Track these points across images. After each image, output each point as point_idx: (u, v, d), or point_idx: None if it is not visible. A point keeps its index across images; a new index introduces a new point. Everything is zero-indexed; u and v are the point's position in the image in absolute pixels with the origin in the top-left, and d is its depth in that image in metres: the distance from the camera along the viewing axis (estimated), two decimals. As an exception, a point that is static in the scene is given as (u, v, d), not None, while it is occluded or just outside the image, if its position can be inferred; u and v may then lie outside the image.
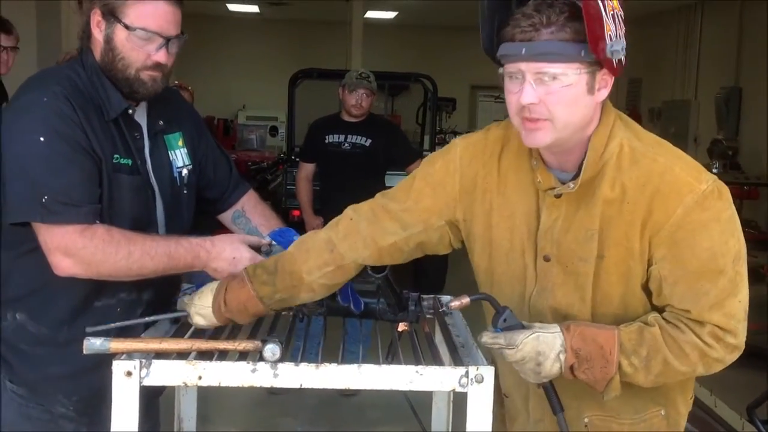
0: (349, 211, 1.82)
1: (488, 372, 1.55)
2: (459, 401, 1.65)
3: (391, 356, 1.86)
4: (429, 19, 15.55)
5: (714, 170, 10.82)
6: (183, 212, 2.06)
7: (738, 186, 10.68)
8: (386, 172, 5.27)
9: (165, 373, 1.55)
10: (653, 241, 1.59)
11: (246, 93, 16.44)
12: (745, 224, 11.04)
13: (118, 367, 1.53)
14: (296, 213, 5.81)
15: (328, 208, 5.08)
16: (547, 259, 1.68)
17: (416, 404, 2.15)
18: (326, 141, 5.06)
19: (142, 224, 1.89)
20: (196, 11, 15.20)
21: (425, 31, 16.41)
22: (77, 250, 1.77)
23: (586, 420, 1.75)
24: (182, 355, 1.62)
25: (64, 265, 1.79)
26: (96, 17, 1.87)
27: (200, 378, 1.55)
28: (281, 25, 16.55)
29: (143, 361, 1.54)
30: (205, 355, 1.63)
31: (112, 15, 1.84)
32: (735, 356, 1.62)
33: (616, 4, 1.52)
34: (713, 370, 1.63)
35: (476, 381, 1.55)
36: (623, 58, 1.55)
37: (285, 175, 6.94)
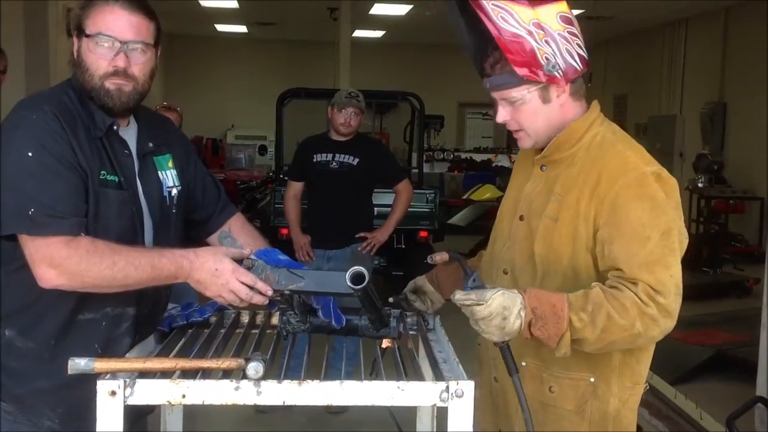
0: None
1: (468, 387, 1.58)
2: (444, 416, 1.67)
3: (374, 373, 1.88)
4: (416, 38, 15.65)
5: (700, 184, 10.90)
6: (171, 231, 2.09)
7: (724, 200, 10.78)
8: (374, 190, 5.31)
9: (149, 392, 1.56)
10: (598, 208, 1.89)
11: (235, 112, 16.50)
12: (731, 238, 11.11)
13: (103, 386, 1.54)
14: (285, 231, 5.82)
15: (316, 226, 5.10)
16: (522, 218, 2.04)
17: (403, 420, 2.17)
18: (314, 160, 5.09)
19: (128, 240, 1.91)
20: (185, 32, 15.29)
21: (413, 50, 16.52)
22: (62, 260, 1.79)
23: (524, 363, 2.00)
24: (166, 374, 1.63)
25: (48, 276, 1.81)
26: (74, 38, 1.95)
27: (184, 396, 1.56)
28: (270, 45, 16.63)
29: (127, 380, 1.55)
30: (189, 374, 1.64)
31: (78, 30, 1.93)
32: (669, 323, 1.83)
33: (556, 25, 1.89)
34: (651, 331, 1.82)
35: (456, 396, 1.57)
36: (576, 63, 1.91)
37: (273, 194, 6.97)
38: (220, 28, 15.64)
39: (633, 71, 14.91)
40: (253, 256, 1.95)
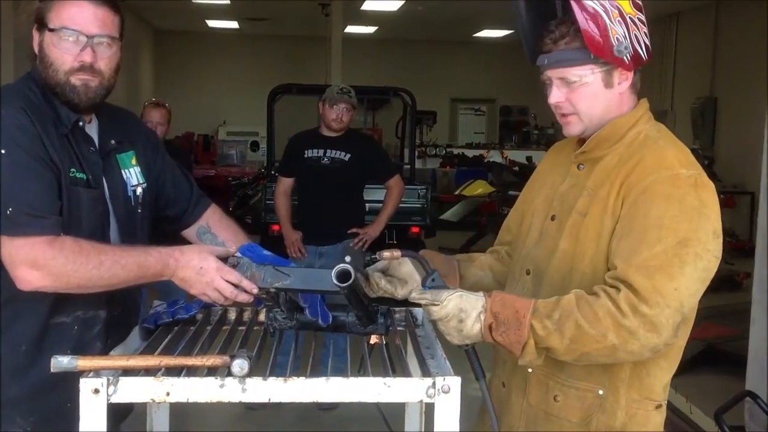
0: None
1: (455, 382, 1.57)
2: (431, 411, 1.66)
3: (362, 369, 1.87)
4: (409, 34, 15.64)
5: (691, 179, 10.92)
6: (137, 231, 2.05)
7: (715, 195, 10.81)
8: (365, 186, 5.30)
9: (133, 390, 1.54)
10: (624, 201, 1.78)
11: (226, 109, 16.47)
12: (724, 233, 11.15)
13: (86, 384, 1.52)
14: (276, 228, 5.81)
15: (307, 222, 5.09)
16: (553, 218, 1.93)
17: (393, 417, 2.16)
18: (305, 156, 5.08)
19: (97, 239, 1.87)
20: (177, 28, 15.25)
21: (405, 46, 16.51)
22: (46, 261, 1.75)
23: (530, 370, 1.91)
24: (150, 371, 1.62)
25: (30, 278, 1.76)
26: (34, 31, 1.89)
27: (168, 394, 1.55)
28: (261, 40, 16.60)
29: (110, 378, 1.54)
30: (173, 372, 1.63)
31: (40, 23, 1.87)
32: (653, 339, 1.66)
33: (629, 9, 1.80)
34: (628, 344, 1.66)
35: (443, 391, 1.56)
36: (642, 52, 1.83)
37: (264, 191, 6.95)
38: (212, 24, 15.59)
39: (624, 66, 14.93)
40: (238, 254, 1.94)
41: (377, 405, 1.75)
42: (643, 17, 1.84)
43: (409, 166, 8.13)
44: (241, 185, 10.96)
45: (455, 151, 15.79)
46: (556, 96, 1.86)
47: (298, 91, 7.89)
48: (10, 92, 1.89)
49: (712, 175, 11.11)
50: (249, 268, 1.88)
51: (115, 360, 1.63)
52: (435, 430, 1.57)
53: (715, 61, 12.10)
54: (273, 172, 7.06)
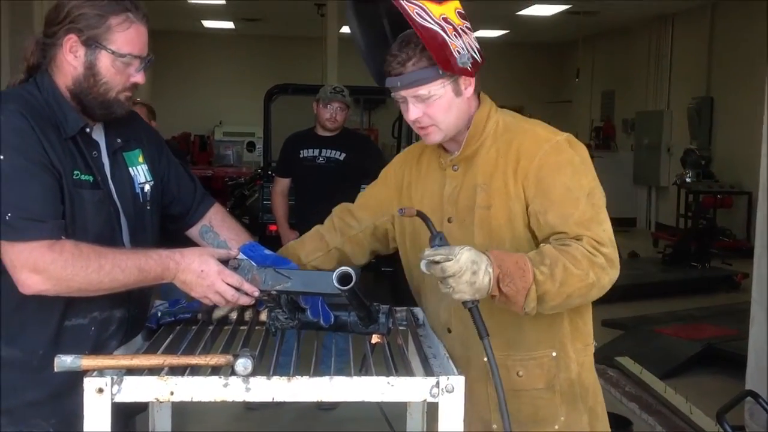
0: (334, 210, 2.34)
1: (459, 382, 1.57)
2: (433, 411, 1.66)
3: (364, 368, 1.87)
4: (404, 34, 15.59)
5: (687, 179, 10.94)
6: (147, 228, 2.05)
7: (711, 195, 10.83)
8: (361, 185, 5.29)
9: (137, 389, 1.54)
10: (524, 184, 1.96)
11: (223, 109, 16.43)
12: (719, 233, 11.12)
13: (90, 384, 1.52)
14: (273, 228, 5.80)
15: (303, 222, 5.06)
16: (450, 221, 2.06)
17: (394, 416, 2.16)
18: (301, 155, 5.08)
19: (106, 241, 1.87)
20: (172, 28, 15.21)
21: (401, 46, 16.47)
22: (46, 265, 1.75)
23: (485, 358, 1.91)
24: (154, 371, 1.62)
25: (31, 282, 1.76)
26: (70, 44, 1.87)
27: (172, 393, 1.55)
28: (257, 41, 16.57)
29: (115, 377, 1.54)
30: (177, 371, 1.63)
31: (95, 42, 1.86)
32: (614, 273, 1.91)
33: (457, 20, 1.94)
34: (602, 280, 1.88)
35: (447, 391, 1.56)
36: (478, 57, 1.97)
37: (261, 191, 6.94)
38: (207, 24, 15.57)
39: (620, 67, 14.94)
40: (240, 256, 1.94)
41: (379, 405, 1.75)
42: (469, 25, 1.99)
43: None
44: (238, 185, 10.93)
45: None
46: (414, 113, 1.98)
47: (294, 91, 7.87)
48: (8, 97, 1.87)
49: (709, 176, 11.17)
50: (250, 270, 1.88)
51: (119, 359, 1.63)
52: (439, 430, 1.57)
53: (711, 61, 12.12)
54: (269, 173, 7.05)
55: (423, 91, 1.94)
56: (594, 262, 1.87)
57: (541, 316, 1.95)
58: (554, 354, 2.04)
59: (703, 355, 5.74)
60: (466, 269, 1.75)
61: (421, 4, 1.88)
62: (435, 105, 1.97)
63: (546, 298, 1.84)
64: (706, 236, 9.82)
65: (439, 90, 1.95)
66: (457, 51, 1.91)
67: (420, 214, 1.86)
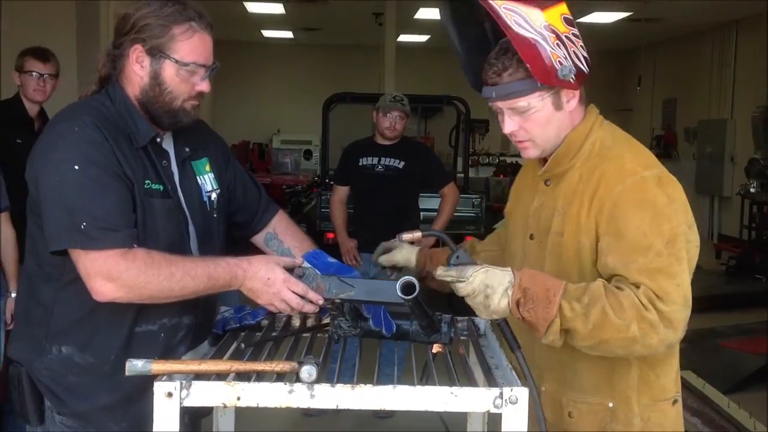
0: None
1: (522, 393, 1.56)
2: (494, 422, 1.66)
3: (425, 378, 1.88)
4: (461, 42, 15.54)
5: (752, 189, 10.66)
6: (214, 236, 2.09)
7: (777, 206, 10.53)
8: (420, 194, 5.30)
9: (205, 394, 1.58)
10: (598, 218, 1.82)
11: (280, 117, 16.61)
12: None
13: (159, 388, 1.57)
14: (331, 235, 5.85)
15: (361, 230, 5.11)
16: (532, 237, 1.98)
17: (451, 425, 2.15)
18: (360, 164, 5.11)
19: (176, 249, 1.91)
20: (232, 38, 15.45)
21: (458, 54, 16.44)
22: (120, 273, 1.79)
23: (543, 388, 1.95)
24: (221, 376, 1.65)
25: (105, 289, 1.81)
26: (136, 54, 1.92)
27: (239, 398, 1.58)
28: (315, 50, 16.72)
29: (183, 382, 1.57)
30: (243, 377, 1.66)
31: (159, 51, 1.90)
32: (670, 334, 1.73)
33: (562, 27, 1.82)
34: (647, 338, 1.71)
35: (510, 402, 1.56)
36: (584, 67, 1.85)
37: (319, 199, 7.00)
38: (267, 33, 15.77)
39: (682, 74, 14.65)
40: (304, 264, 1.96)
41: (440, 415, 1.75)
42: (576, 31, 1.86)
43: (462, 175, 8.10)
44: (295, 193, 11.04)
45: (508, 160, 15.68)
46: (509, 126, 1.89)
47: (352, 100, 7.94)
48: (82, 108, 1.93)
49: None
50: (314, 278, 1.90)
51: (187, 364, 1.67)
52: (503, 439, 1.56)
53: (776, 69, 11.79)
54: (327, 181, 7.11)
55: (522, 103, 1.84)
56: (643, 316, 1.70)
57: (601, 360, 1.85)
58: (611, 405, 1.89)
59: (766, 370, 5.59)
60: (479, 292, 1.73)
61: (520, 11, 1.77)
62: (532, 119, 1.86)
63: (576, 336, 1.74)
64: (771, 248, 9.57)
65: (538, 103, 1.84)
66: (559, 61, 1.79)
67: (430, 234, 1.87)
